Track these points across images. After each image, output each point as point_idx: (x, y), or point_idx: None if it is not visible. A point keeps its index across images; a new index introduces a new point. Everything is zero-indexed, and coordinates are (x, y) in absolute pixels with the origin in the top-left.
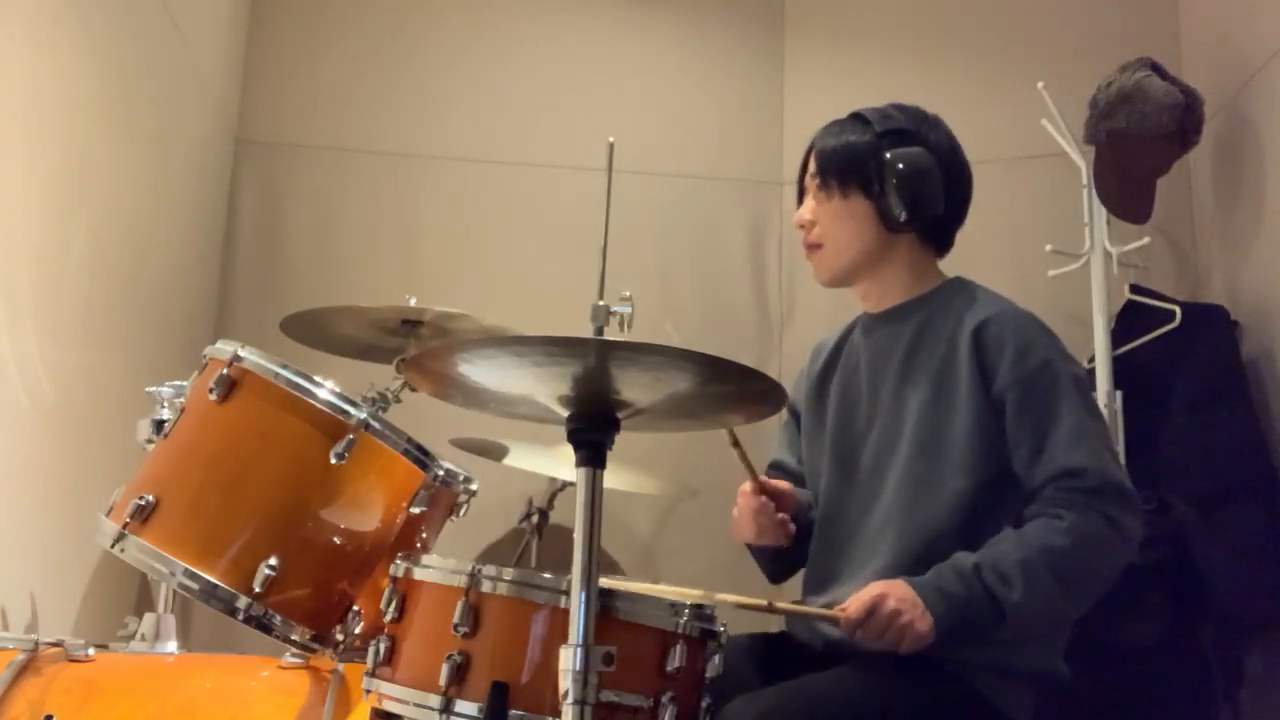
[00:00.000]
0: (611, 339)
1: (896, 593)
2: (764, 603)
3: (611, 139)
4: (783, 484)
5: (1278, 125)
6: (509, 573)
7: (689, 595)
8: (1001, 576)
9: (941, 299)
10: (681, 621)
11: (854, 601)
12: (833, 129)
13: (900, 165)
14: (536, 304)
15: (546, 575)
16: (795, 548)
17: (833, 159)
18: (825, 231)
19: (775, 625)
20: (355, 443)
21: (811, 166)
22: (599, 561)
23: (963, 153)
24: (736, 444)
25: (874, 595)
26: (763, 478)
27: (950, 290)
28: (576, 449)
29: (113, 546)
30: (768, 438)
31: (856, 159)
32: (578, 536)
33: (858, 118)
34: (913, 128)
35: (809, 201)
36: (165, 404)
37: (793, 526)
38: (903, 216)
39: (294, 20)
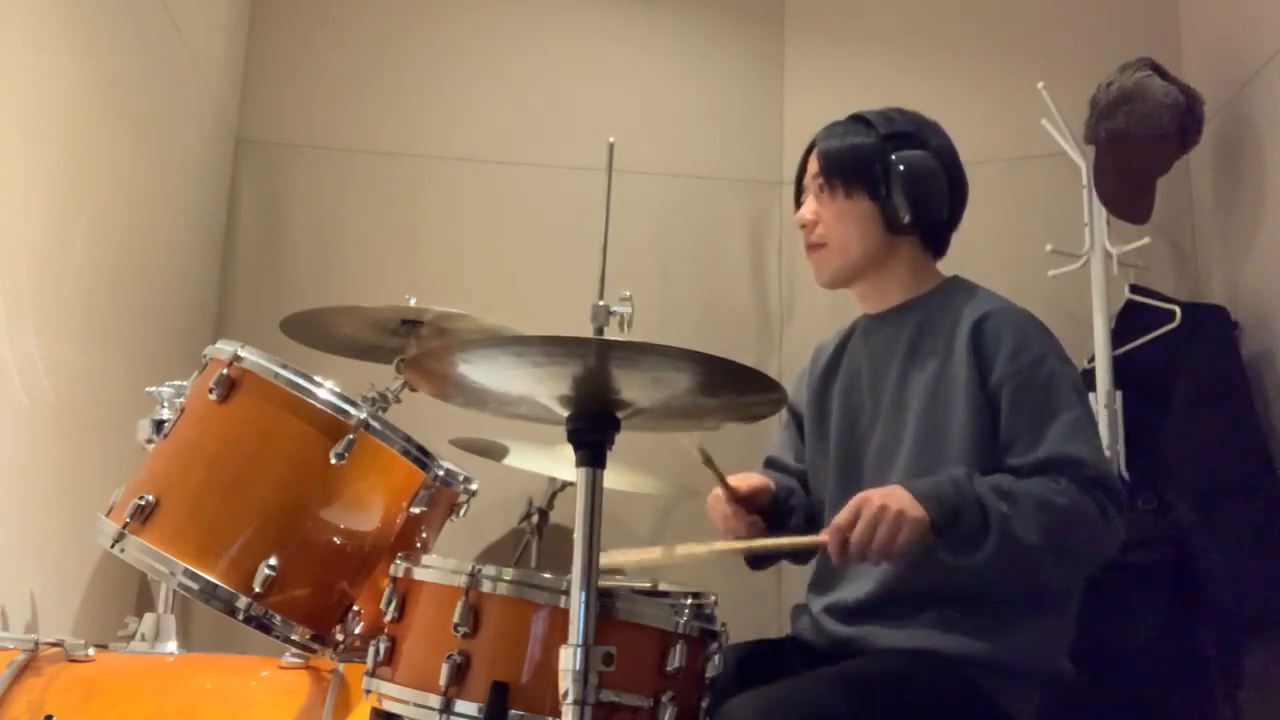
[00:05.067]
0: (611, 339)
1: (881, 490)
2: (740, 545)
3: (611, 139)
4: (754, 482)
5: (1278, 125)
6: (509, 573)
7: (656, 559)
8: (994, 489)
9: (939, 298)
10: (681, 621)
11: (838, 515)
12: (835, 130)
13: (904, 168)
14: (536, 304)
15: (546, 575)
16: (772, 534)
17: (837, 160)
18: (828, 231)
19: (779, 629)
20: (355, 443)
21: (813, 167)
22: (599, 561)
23: (959, 158)
24: (709, 462)
25: (857, 498)
26: (732, 481)
27: (948, 289)
28: (576, 449)
29: (113, 546)
30: (765, 437)
31: (861, 160)
32: (578, 536)
33: (860, 119)
34: (915, 131)
35: (810, 201)
36: (165, 404)
37: (762, 524)
38: (907, 219)
39: (294, 20)
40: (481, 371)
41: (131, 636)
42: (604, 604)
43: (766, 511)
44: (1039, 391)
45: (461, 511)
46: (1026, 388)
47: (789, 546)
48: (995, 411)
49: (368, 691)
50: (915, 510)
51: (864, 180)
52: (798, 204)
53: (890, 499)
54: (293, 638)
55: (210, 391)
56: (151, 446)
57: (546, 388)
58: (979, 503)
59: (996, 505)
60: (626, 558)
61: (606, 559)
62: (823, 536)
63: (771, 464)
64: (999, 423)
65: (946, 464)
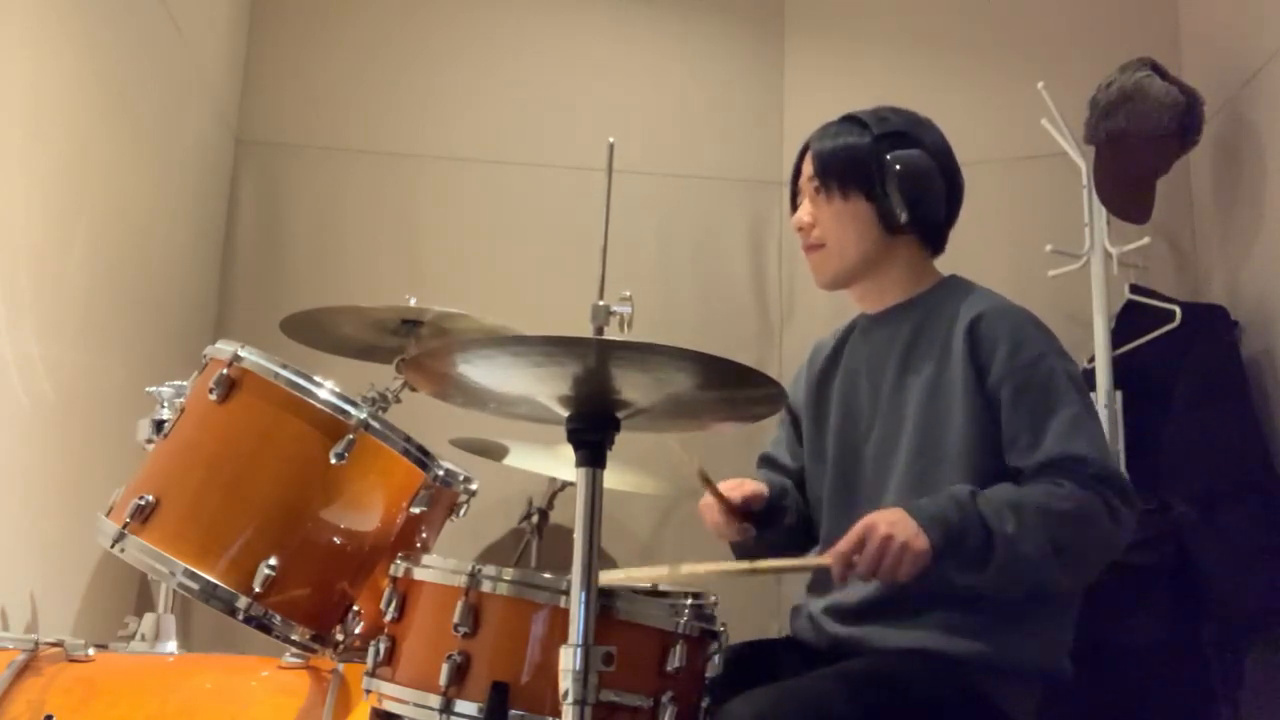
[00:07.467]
0: (611, 338)
1: (886, 517)
2: (744, 565)
3: (611, 139)
4: (747, 490)
5: (1278, 125)
6: (509, 573)
7: (662, 577)
8: (996, 510)
9: (936, 298)
10: (681, 621)
11: (842, 541)
12: (829, 131)
13: (900, 167)
14: (536, 304)
15: (546, 575)
16: (763, 534)
17: (832, 161)
18: (826, 233)
19: (779, 629)
20: (355, 443)
21: (808, 169)
22: (599, 561)
23: (954, 155)
24: (702, 475)
25: (861, 524)
26: (725, 488)
27: (945, 289)
28: (576, 449)
29: (113, 546)
30: (762, 437)
31: (856, 161)
32: (578, 536)
33: (853, 120)
34: (909, 130)
35: (806, 204)
36: (165, 404)
37: (752, 530)
38: (904, 218)
39: (294, 20)
40: (481, 371)
41: (131, 636)
42: (604, 604)
43: (759, 516)
44: (1038, 390)
45: (461, 511)
46: (1025, 387)
47: (793, 568)
48: (995, 412)
49: (368, 691)
50: (919, 542)
51: (859, 181)
52: (793, 206)
53: (895, 528)
54: (293, 638)
55: (210, 391)
56: (151, 446)
57: (546, 387)
58: (983, 524)
59: (1001, 527)
60: (630, 575)
61: (607, 578)
62: (826, 559)
63: (766, 462)
64: (999, 423)
65: (945, 465)
